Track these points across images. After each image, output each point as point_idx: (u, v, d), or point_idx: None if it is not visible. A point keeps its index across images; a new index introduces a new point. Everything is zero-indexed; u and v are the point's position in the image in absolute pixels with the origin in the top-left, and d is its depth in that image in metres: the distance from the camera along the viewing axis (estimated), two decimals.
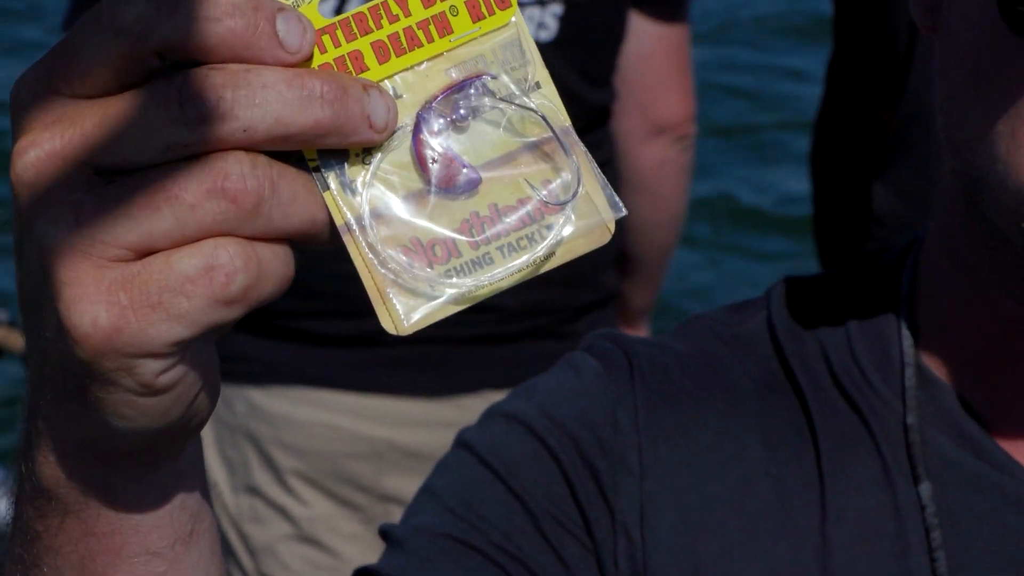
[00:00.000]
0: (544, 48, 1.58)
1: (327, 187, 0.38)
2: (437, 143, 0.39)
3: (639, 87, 1.86)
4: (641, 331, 2.04)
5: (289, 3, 0.38)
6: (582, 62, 1.71)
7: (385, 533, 0.72)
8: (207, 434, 1.81)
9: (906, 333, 0.70)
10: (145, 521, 0.44)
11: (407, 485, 1.67)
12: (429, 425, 1.73)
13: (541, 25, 1.65)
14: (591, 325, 1.73)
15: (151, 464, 0.43)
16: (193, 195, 0.35)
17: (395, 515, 1.28)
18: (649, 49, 1.84)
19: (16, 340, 2.81)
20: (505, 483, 0.70)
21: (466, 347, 1.69)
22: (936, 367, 0.70)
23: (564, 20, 1.67)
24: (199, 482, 0.48)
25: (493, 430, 0.74)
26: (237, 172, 0.36)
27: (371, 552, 0.94)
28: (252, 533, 1.80)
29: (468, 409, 1.68)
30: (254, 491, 1.80)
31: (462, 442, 0.74)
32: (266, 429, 1.77)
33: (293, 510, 1.77)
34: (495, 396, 1.63)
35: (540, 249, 0.40)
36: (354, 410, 1.73)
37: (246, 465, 1.80)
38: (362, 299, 0.39)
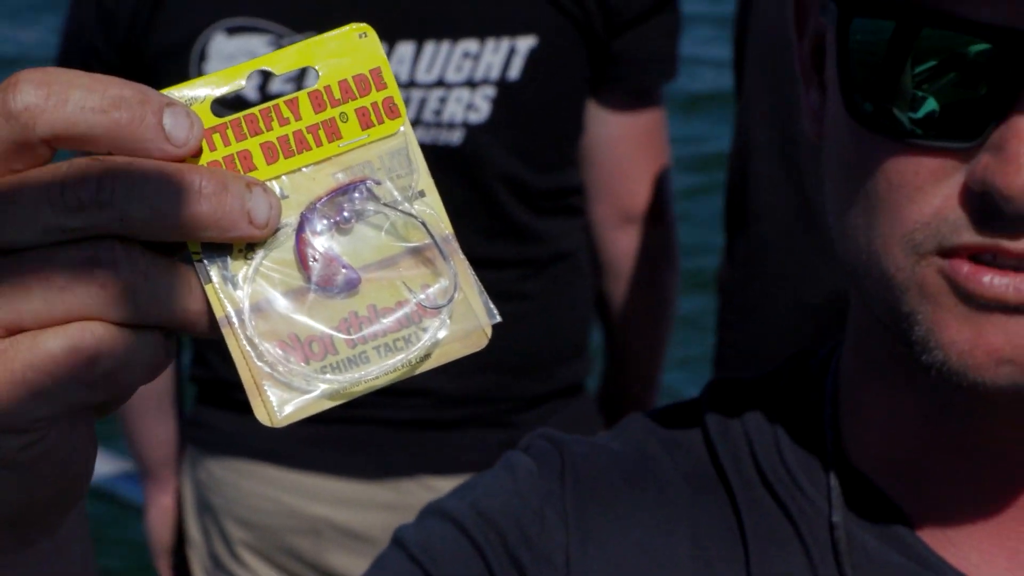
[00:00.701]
0: (475, 129, 1.57)
1: (208, 279, 0.39)
2: (319, 243, 0.40)
3: (607, 174, 1.79)
4: None
5: (183, 100, 0.39)
6: (519, 145, 1.65)
7: None
8: (187, 494, 1.83)
9: (830, 434, 0.71)
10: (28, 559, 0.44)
11: (350, 562, 1.69)
12: (366, 506, 1.70)
13: (471, 107, 1.60)
14: (545, 416, 1.68)
15: (22, 539, 0.43)
16: (64, 278, 0.36)
17: None
18: (615, 135, 1.77)
19: None
20: None
21: (403, 430, 1.65)
22: (861, 466, 0.70)
23: (496, 102, 1.61)
24: (79, 555, 0.48)
25: (426, 527, 0.75)
26: (109, 259, 0.36)
27: None
28: None
29: (405, 492, 1.67)
30: (215, 558, 1.80)
31: (396, 539, 0.74)
32: (219, 500, 1.76)
33: None
34: (432, 481, 1.66)
35: (415, 350, 0.41)
36: (294, 486, 1.71)
37: (208, 532, 1.80)
38: None
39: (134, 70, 1.58)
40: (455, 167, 1.61)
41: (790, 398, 0.75)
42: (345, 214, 0.41)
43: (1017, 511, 0.67)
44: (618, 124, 1.78)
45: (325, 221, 0.41)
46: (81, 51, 1.66)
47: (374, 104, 0.42)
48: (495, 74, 1.60)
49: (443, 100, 1.60)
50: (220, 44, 1.57)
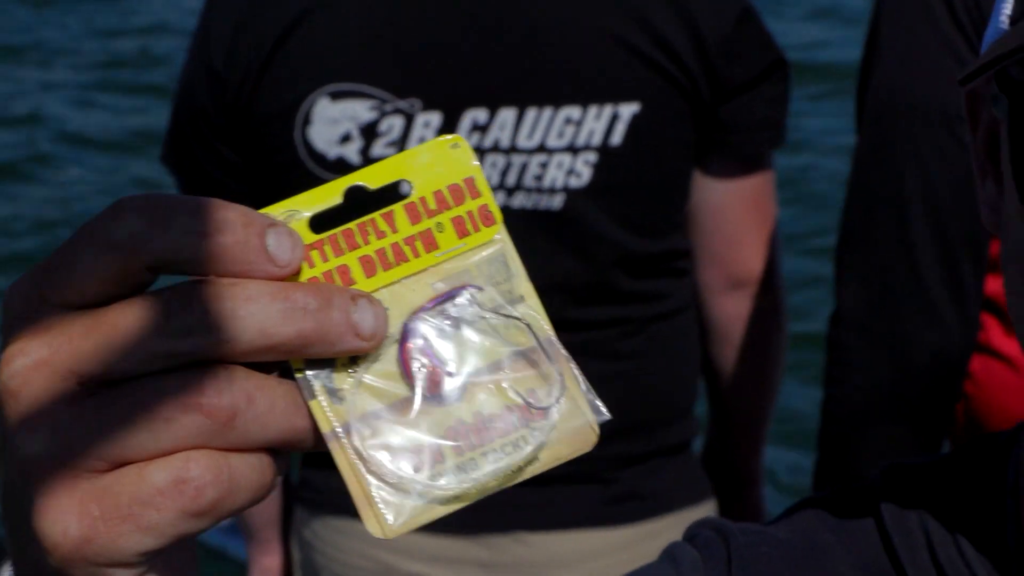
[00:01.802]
0: (576, 194, 1.59)
1: (313, 395, 0.39)
2: (423, 352, 0.40)
3: (715, 240, 1.76)
4: (752, 495, 1.95)
5: (282, 218, 0.40)
6: (621, 210, 1.63)
7: None
8: (295, 553, 1.88)
9: (1012, 528, 0.66)
10: None
11: None
12: (461, 562, 1.70)
13: (572, 172, 1.58)
14: (646, 474, 1.70)
15: None
16: (169, 410, 0.36)
17: None
18: (723, 202, 1.74)
19: None
20: None
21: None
22: None
23: (598, 168, 1.59)
24: None
25: None
26: (213, 387, 0.36)
27: None
28: None
29: (500, 548, 1.67)
30: None
31: None
32: (321, 558, 1.78)
33: None
34: (527, 537, 1.67)
35: (523, 454, 0.40)
36: (391, 544, 1.68)
37: None
38: None
39: (241, 132, 1.64)
40: (555, 231, 1.60)
41: (970, 487, 0.70)
42: (448, 322, 0.41)
43: None
44: (726, 191, 1.76)
45: (429, 330, 0.41)
46: (191, 112, 1.70)
47: (469, 212, 0.42)
48: (597, 140, 1.59)
49: (544, 165, 1.59)
50: (324, 108, 1.59)
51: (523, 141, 1.58)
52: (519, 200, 1.59)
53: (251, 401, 0.37)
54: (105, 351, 0.37)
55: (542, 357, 0.41)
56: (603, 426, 0.48)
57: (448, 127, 1.54)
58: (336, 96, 1.58)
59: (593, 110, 1.59)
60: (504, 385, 0.41)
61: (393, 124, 1.57)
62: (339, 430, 0.39)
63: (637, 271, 1.69)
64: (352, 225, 0.41)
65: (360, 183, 0.41)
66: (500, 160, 1.59)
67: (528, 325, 0.41)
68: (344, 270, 0.40)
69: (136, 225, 0.37)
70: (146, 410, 0.36)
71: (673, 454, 1.78)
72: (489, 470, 0.40)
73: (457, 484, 0.40)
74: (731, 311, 1.82)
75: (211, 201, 0.38)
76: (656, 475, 1.72)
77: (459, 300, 0.41)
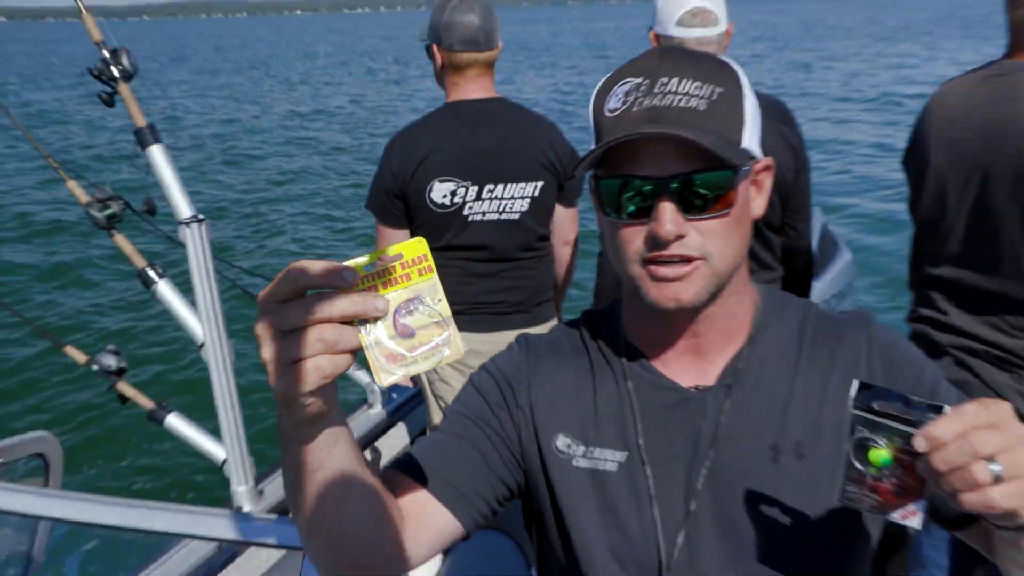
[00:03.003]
0: (522, 214, 3.41)
1: (359, 331, 1.00)
2: (402, 319, 1.01)
3: (559, 228, 3.61)
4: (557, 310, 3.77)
5: (351, 264, 0.99)
6: (536, 219, 3.43)
7: None
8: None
9: (622, 330, 1.44)
10: (320, 438, 1.10)
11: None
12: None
13: (521, 206, 3.34)
14: (532, 315, 3.47)
15: (316, 422, 1.08)
16: (330, 336, 0.97)
17: None
18: (561, 215, 3.57)
19: (129, 391, 3.07)
20: (480, 394, 1.43)
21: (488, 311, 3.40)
22: (634, 340, 1.41)
23: (530, 204, 3.36)
24: (338, 423, 1.12)
25: (478, 375, 1.47)
26: (333, 331, 0.97)
27: None
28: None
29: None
30: None
31: (470, 382, 1.47)
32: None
33: None
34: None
35: (439, 356, 1.01)
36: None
37: None
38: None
39: (403, 196, 3.17)
40: (515, 227, 3.29)
41: (610, 315, 1.47)
42: (411, 307, 1.01)
43: (696, 352, 1.36)
44: (563, 211, 3.47)
45: (404, 311, 1.01)
46: (384, 191, 3.19)
47: (422, 268, 1.01)
48: (529, 193, 3.28)
49: (512, 203, 3.25)
50: (438, 187, 3.13)
51: (505, 194, 3.22)
52: (504, 216, 3.23)
53: (342, 332, 0.97)
54: (289, 318, 0.97)
55: (446, 322, 1.02)
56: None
57: (479, 193, 3.16)
58: (442, 181, 3.14)
59: (530, 183, 3.26)
60: (433, 329, 1.01)
61: (458, 190, 3.15)
62: (370, 342, 1.00)
63: (540, 240, 3.41)
64: (377, 271, 1.00)
65: (384, 255, 0.99)
66: (497, 203, 3.20)
67: (439, 313, 1.01)
68: (374, 288, 1.01)
69: (295, 274, 0.97)
70: (318, 338, 0.97)
71: (546, 307, 3.54)
72: (423, 364, 1.01)
73: (407, 369, 1.01)
74: (563, 253, 3.61)
75: (323, 262, 0.97)
76: (538, 317, 3.49)
77: (415, 301, 1.01)
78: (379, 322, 0.99)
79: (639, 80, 1.24)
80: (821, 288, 4.24)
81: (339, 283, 0.96)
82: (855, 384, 1.06)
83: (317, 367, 0.96)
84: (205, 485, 6.05)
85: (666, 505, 1.30)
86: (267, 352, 0.97)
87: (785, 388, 1.33)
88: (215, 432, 3.00)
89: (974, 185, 2.37)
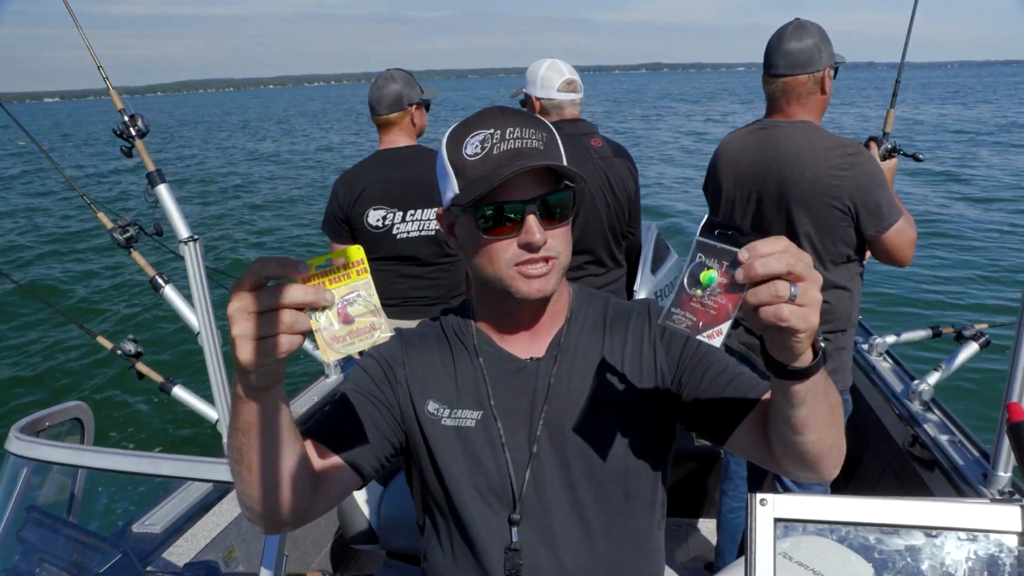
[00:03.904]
0: (436, 230, 3.08)
1: (310, 317, 0.94)
2: (345, 309, 0.96)
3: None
4: None
5: (309, 263, 0.91)
6: (442, 234, 2.99)
7: None
8: None
9: (473, 320, 1.40)
10: (261, 404, 1.02)
11: None
12: None
13: (434, 225, 3.14)
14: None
15: (269, 389, 1.00)
16: (288, 319, 0.93)
17: None
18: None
19: (145, 369, 3.09)
20: (367, 374, 1.35)
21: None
22: (482, 327, 1.38)
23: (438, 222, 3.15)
24: (282, 397, 1.04)
25: (363, 360, 1.38)
26: (288, 315, 0.92)
27: None
28: None
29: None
30: None
31: (358, 362, 1.40)
32: None
33: None
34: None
35: (373, 338, 0.97)
36: None
37: None
38: None
39: (347, 221, 3.10)
40: (434, 240, 3.10)
41: (463, 310, 1.42)
42: (351, 299, 0.96)
43: (531, 332, 1.35)
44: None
45: (345, 302, 0.96)
46: (333, 218, 3.12)
47: (359, 269, 0.96)
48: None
49: (429, 222, 3.09)
50: (373, 213, 3.07)
51: (423, 216, 3.08)
52: (423, 233, 3.08)
53: (296, 318, 0.93)
54: (262, 302, 0.92)
55: (378, 310, 0.97)
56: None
57: (404, 216, 3.06)
58: (376, 208, 3.07)
59: (434, 209, 3.05)
60: (367, 317, 0.96)
61: (388, 215, 3.07)
62: (321, 327, 0.95)
63: (447, 249, 3.12)
64: (329, 268, 0.96)
65: (331, 259, 0.94)
66: (418, 223, 3.07)
67: (373, 304, 0.97)
68: (323, 282, 0.95)
69: (259, 266, 0.92)
70: (273, 319, 0.92)
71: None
72: (361, 344, 0.96)
73: (349, 348, 0.96)
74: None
75: (280, 257, 0.93)
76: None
77: (354, 294, 0.96)
78: (326, 310, 0.95)
79: (490, 131, 1.20)
80: (658, 280, 4.31)
81: (295, 273, 0.92)
82: (705, 218, 0.98)
83: (277, 343, 0.91)
84: (202, 441, 6.02)
85: (515, 449, 1.30)
86: (238, 329, 0.92)
87: (597, 356, 1.34)
88: (209, 398, 3.03)
89: (752, 203, 2.57)
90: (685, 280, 0.96)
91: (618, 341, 1.35)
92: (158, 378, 3.05)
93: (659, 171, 20.35)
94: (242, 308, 0.91)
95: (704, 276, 0.94)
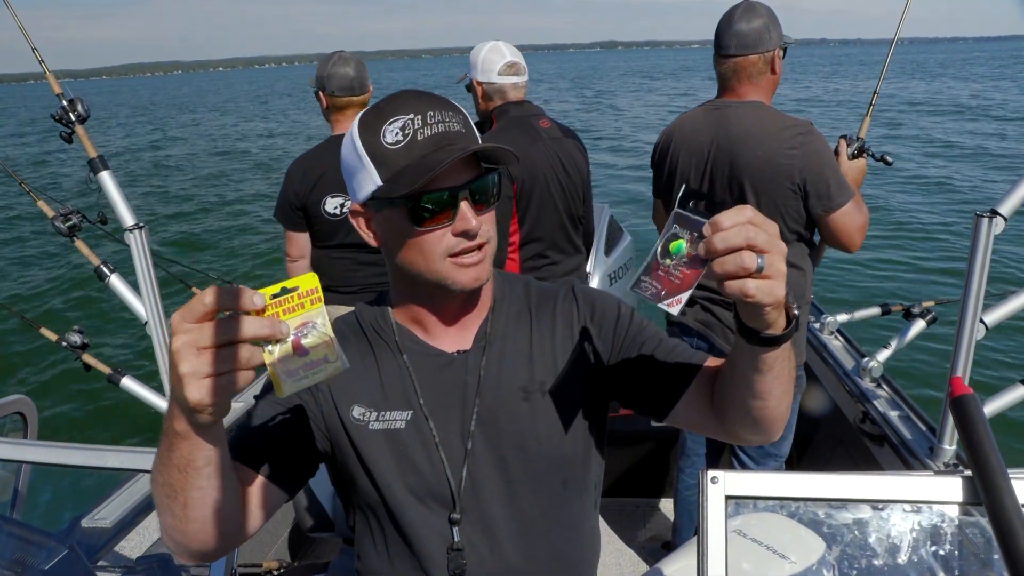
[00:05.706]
0: None
1: (264, 350, 0.88)
2: (298, 340, 0.90)
3: None
4: None
5: (263, 292, 0.88)
6: None
7: None
8: None
9: (392, 313, 1.33)
10: (204, 440, 0.96)
11: None
12: None
13: None
14: None
15: (213, 426, 0.95)
16: (242, 353, 0.86)
17: None
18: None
19: (92, 361, 3.03)
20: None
21: None
22: (402, 321, 1.32)
23: None
24: (223, 428, 0.99)
25: None
26: (247, 352, 0.87)
27: None
28: None
29: None
30: None
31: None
32: None
33: None
34: None
35: (327, 371, 0.92)
36: None
37: None
38: None
39: (303, 208, 3.01)
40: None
41: (379, 304, 1.35)
42: (305, 330, 0.91)
43: (455, 323, 1.29)
44: None
45: (300, 333, 0.90)
46: (288, 205, 3.05)
47: (313, 298, 0.91)
48: None
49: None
50: (330, 201, 2.96)
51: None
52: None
53: (251, 352, 0.87)
54: (206, 337, 0.86)
55: (332, 342, 0.92)
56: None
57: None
58: (333, 196, 2.96)
59: None
60: (321, 349, 0.91)
61: (345, 202, 2.95)
62: (276, 360, 0.89)
63: None
64: (281, 298, 0.90)
65: (286, 287, 0.89)
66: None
67: (329, 334, 0.92)
68: (276, 313, 0.90)
69: (210, 298, 0.86)
70: (226, 356, 0.86)
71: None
72: (317, 377, 0.91)
73: (304, 382, 0.90)
74: None
75: (235, 287, 0.86)
76: None
77: (308, 325, 0.91)
78: (279, 342, 0.88)
79: (409, 116, 1.13)
80: (611, 262, 4.34)
81: (251, 306, 0.85)
82: (682, 188, 1.00)
83: (234, 380, 0.85)
84: (153, 432, 5.82)
85: (449, 447, 1.25)
86: (186, 367, 0.84)
87: (525, 343, 1.30)
88: (159, 388, 2.99)
89: (705, 178, 2.60)
90: (658, 249, 0.97)
91: (546, 325, 1.32)
92: (106, 370, 2.99)
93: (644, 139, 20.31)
94: (190, 343, 0.85)
95: (673, 246, 0.95)
